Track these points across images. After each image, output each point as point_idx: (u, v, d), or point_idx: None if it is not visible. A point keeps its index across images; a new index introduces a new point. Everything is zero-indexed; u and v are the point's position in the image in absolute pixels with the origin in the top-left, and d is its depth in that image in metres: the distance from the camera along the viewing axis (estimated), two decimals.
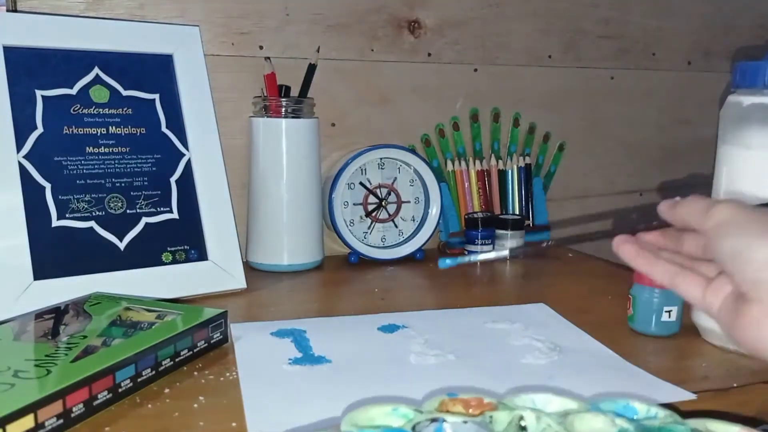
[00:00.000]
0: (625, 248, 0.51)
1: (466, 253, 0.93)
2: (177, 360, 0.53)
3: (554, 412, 0.39)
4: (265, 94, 0.85)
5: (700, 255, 0.48)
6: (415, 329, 0.63)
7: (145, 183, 0.73)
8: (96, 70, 0.73)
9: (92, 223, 0.70)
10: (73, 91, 0.71)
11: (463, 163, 0.98)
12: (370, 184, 0.92)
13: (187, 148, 0.77)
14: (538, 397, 0.41)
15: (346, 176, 0.88)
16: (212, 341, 0.57)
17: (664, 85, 1.14)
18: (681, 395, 0.49)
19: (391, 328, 0.63)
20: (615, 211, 1.15)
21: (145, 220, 0.72)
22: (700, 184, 1.19)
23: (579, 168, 1.10)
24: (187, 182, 0.76)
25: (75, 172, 0.70)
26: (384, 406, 0.38)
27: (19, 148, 0.67)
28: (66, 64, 0.71)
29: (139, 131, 0.74)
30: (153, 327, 0.54)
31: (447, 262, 0.53)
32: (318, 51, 0.86)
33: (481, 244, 0.92)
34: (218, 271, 0.75)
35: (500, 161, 1.00)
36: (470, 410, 0.38)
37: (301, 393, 0.49)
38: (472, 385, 0.51)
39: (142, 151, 0.74)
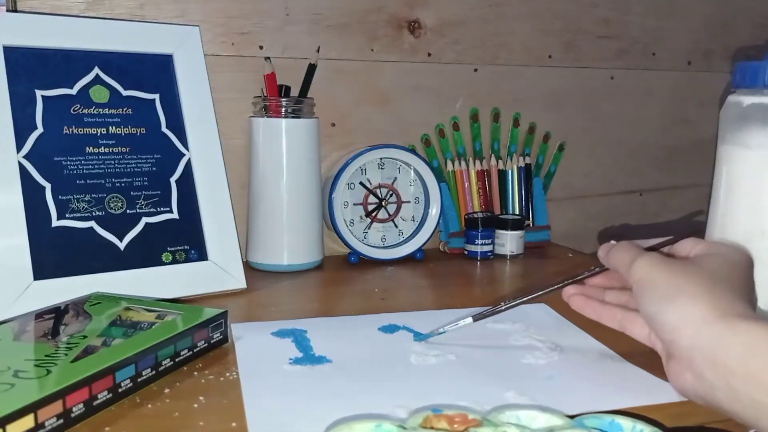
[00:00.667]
0: (574, 300, 0.56)
1: (465, 253, 0.94)
2: (177, 360, 0.53)
3: (539, 428, 0.39)
4: (265, 94, 0.85)
5: None
6: (415, 329, 0.63)
7: (145, 183, 0.73)
8: (96, 70, 0.73)
9: (92, 223, 0.70)
10: (73, 91, 0.71)
11: (463, 163, 0.98)
12: (370, 184, 0.92)
13: (187, 148, 0.77)
14: (523, 413, 0.41)
15: (346, 176, 0.88)
16: (212, 341, 0.57)
17: (664, 85, 1.14)
18: (681, 395, 0.49)
19: (391, 328, 0.63)
20: (615, 211, 1.15)
21: (145, 220, 0.73)
22: (700, 184, 1.19)
23: (579, 168, 1.10)
24: (187, 182, 0.76)
25: (75, 172, 0.70)
26: (367, 422, 0.38)
27: (19, 148, 0.67)
28: (66, 64, 0.71)
29: (139, 131, 0.74)
30: (153, 327, 0.54)
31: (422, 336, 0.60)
32: (318, 51, 0.86)
33: (481, 244, 0.92)
34: (218, 271, 0.75)
35: (500, 161, 1.00)
36: (455, 426, 0.38)
37: (302, 393, 0.49)
38: (472, 385, 0.51)
39: (142, 151, 0.74)
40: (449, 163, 0.98)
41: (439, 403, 0.47)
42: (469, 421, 0.38)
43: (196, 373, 0.53)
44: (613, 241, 0.54)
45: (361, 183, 0.91)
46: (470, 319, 0.59)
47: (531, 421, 0.40)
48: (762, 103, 0.57)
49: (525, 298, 0.58)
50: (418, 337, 0.60)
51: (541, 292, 0.58)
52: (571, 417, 0.41)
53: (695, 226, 1.14)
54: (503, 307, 0.58)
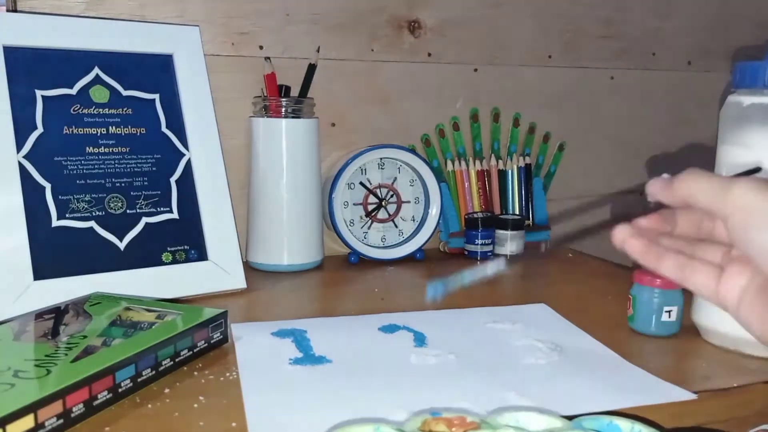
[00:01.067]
0: (631, 244, 0.45)
1: (465, 253, 0.94)
2: (177, 360, 0.53)
3: (538, 430, 0.39)
4: (265, 94, 0.85)
5: (696, 235, 0.43)
6: (415, 329, 0.63)
7: (145, 183, 0.73)
8: (96, 70, 0.73)
9: (92, 223, 0.70)
10: (73, 91, 0.71)
11: (463, 163, 0.98)
12: (370, 184, 0.92)
13: (187, 148, 0.77)
14: (522, 415, 0.41)
15: (346, 176, 0.88)
16: (212, 341, 0.57)
17: (664, 85, 1.14)
18: (681, 395, 0.49)
19: (391, 328, 0.63)
20: (615, 211, 1.15)
21: (145, 220, 0.72)
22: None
23: (579, 168, 1.10)
24: (187, 182, 0.76)
25: (75, 172, 0.70)
26: (366, 426, 0.38)
27: (19, 148, 0.67)
28: (66, 64, 0.71)
29: (139, 131, 0.74)
30: (153, 327, 0.54)
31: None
32: (318, 51, 0.86)
33: (481, 244, 0.92)
34: (218, 271, 0.75)
35: (500, 161, 1.00)
36: (453, 429, 0.38)
37: (302, 393, 0.49)
38: (472, 386, 0.51)
39: (142, 151, 0.74)
40: (449, 163, 0.98)
41: (439, 403, 0.47)
42: (467, 424, 0.38)
43: (196, 373, 0.53)
44: (665, 175, 0.43)
45: (361, 183, 0.91)
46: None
47: (529, 423, 0.40)
48: (762, 103, 0.57)
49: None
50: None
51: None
52: (570, 418, 0.41)
53: None
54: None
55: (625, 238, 0.45)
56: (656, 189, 0.43)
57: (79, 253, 0.68)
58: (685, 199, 0.41)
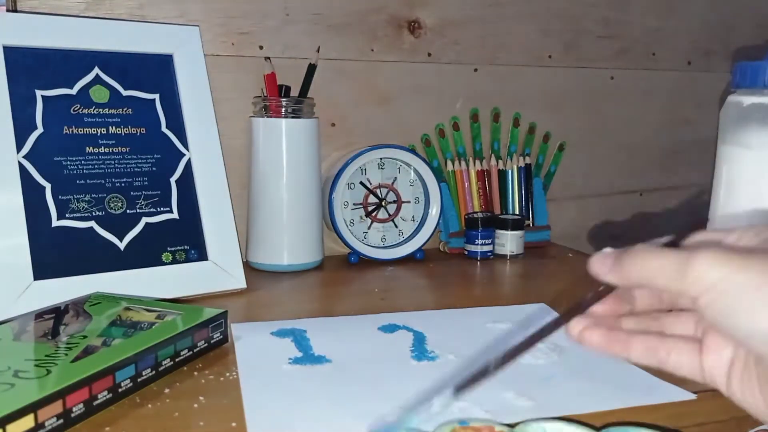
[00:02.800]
0: (589, 337, 0.40)
1: (465, 253, 0.93)
2: (177, 360, 0.53)
3: None
4: (265, 94, 0.85)
5: (659, 307, 0.38)
6: (415, 329, 0.63)
7: (145, 183, 0.73)
8: (96, 70, 0.73)
9: (92, 223, 0.70)
10: (73, 91, 0.71)
11: (463, 163, 0.98)
12: (370, 184, 0.92)
13: (187, 148, 0.77)
14: (549, 425, 0.40)
15: (346, 176, 0.88)
16: (212, 341, 0.57)
17: (664, 85, 1.14)
18: (681, 395, 0.49)
19: (391, 328, 0.63)
20: (615, 211, 1.15)
21: (145, 220, 0.73)
22: (700, 184, 1.19)
23: (579, 168, 1.10)
24: (187, 182, 0.76)
25: (75, 172, 0.70)
26: None
27: (19, 148, 0.67)
28: (66, 64, 0.71)
29: (139, 131, 0.74)
30: (153, 327, 0.54)
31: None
32: (318, 51, 0.86)
33: (481, 244, 0.92)
34: (218, 271, 0.75)
35: (500, 161, 1.00)
36: None
37: (302, 393, 0.49)
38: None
39: (142, 151, 0.74)
40: (449, 163, 0.98)
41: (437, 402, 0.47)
42: None
43: (196, 373, 0.53)
44: (607, 249, 0.37)
45: (361, 183, 0.91)
46: (450, 392, 0.42)
47: None
48: (762, 103, 0.57)
49: (514, 355, 0.42)
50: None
51: (532, 342, 0.42)
52: (597, 429, 0.41)
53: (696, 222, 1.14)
54: (489, 372, 0.42)
55: (580, 331, 0.40)
56: (602, 270, 0.37)
57: (79, 253, 0.68)
58: (640, 282, 0.35)
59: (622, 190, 1.15)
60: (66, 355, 0.48)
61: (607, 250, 0.37)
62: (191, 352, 0.55)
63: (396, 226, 0.94)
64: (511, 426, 0.41)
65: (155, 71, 0.77)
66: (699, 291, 0.32)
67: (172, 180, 0.75)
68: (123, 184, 0.72)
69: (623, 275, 0.35)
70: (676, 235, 0.38)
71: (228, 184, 0.78)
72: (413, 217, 0.94)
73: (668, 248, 0.34)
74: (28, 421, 0.40)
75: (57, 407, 0.42)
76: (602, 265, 0.36)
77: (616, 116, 1.12)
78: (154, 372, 0.51)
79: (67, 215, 0.68)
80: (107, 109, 0.73)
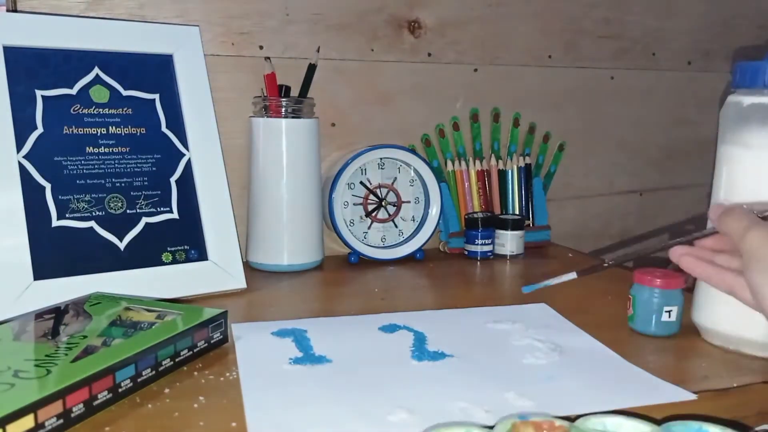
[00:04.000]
0: (685, 260, 0.54)
1: (465, 253, 0.94)
2: (177, 360, 0.53)
3: None
4: (265, 94, 0.85)
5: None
6: (415, 329, 0.63)
7: (145, 183, 0.73)
8: (96, 70, 0.73)
9: (92, 223, 0.70)
10: (73, 91, 0.71)
11: (463, 163, 0.98)
12: (370, 184, 0.92)
13: (187, 148, 0.77)
14: (609, 420, 0.41)
15: (346, 176, 0.88)
16: (212, 341, 0.57)
17: (664, 85, 1.14)
18: (681, 395, 0.49)
19: (391, 328, 0.63)
20: (615, 211, 1.15)
21: (145, 220, 0.73)
22: (700, 184, 1.19)
23: (579, 168, 1.10)
24: (187, 182, 0.76)
25: (75, 172, 0.70)
26: (457, 428, 0.38)
27: (19, 148, 0.67)
28: (66, 64, 0.71)
29: (139, 131, 0.74)
30: (153, 327, 0.54)
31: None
32: (318, 51, 0.86)
33: (481, 244, 0.92)
34: (218, 271, 0.75)
35: (500, 161, 1.00)
36: None
37: (302, 393, 0.49)
38: (473, 385, 0.51)
39: (142, 151, 0.74)
40: (449, 163, 0.98)
41: (438, 402, 0.47)
42: (556, 428, 0.39)
43: (196, 373, 0.53)
44: (724, 202, 0.53)
45: (361, 183, 0.91)
46: (574, 274, 0.61)
47: (618, 428, 0.41)
48: (762, 103, 0.57)
49: (630, 257, 0.61)
50: (527, 288, 0.64)
51: (650, 250, 0.59)
52: (657, 423, 0.42)
53: (695, 227, 1.14)
54: (606, 266, 0.60)
55: (681, 254, 0.54)
56: (711, 215, 0.53)
57: (79, 253, 0.68)
58: (725, 233, 0.51)
59: (622, 190, 1.15)
60: (66, 355, 0.48)
61: (723, 203, 0.54)
62: (191, 352, 0.55)
63: (396, 226, 0.94)
64: (572, 420, 0.41)
65: (155, 71, 0.77)
66: (743, 251, 0.48)
67: (172, 180, 0.75)
68: (123, 184, 0.72)
69: (720, 225, 0.51)
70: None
71: (228, 184, 0.78)
72: (413, 217, 0.94)
73: (751, 215, 0.50)
74: (28, 421, 0.40)
75: (57, 407, 0.42)
76: (712, 212, 0.53)
77: (616, 116, 1.12)
78: (154, 372, 0.51)
79: (67, 215, 0.68)
80: (107, 109, 0.73)
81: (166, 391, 0.49)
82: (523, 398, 0.48)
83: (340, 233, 0.88)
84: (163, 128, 0.76)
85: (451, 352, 0.57)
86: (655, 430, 0.40)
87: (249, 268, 0.84)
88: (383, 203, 0.93)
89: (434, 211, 0.93)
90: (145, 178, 0.74)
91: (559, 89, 1.06)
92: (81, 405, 0.44)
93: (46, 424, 0.41)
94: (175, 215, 0.74)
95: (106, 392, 0.46)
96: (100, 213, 0.70)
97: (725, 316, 0.59)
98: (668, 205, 1.18)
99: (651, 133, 1.15)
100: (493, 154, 1.00)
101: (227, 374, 0.52)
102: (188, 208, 0.75)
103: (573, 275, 0.61)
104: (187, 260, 0.74)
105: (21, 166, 0.67)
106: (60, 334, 0.53)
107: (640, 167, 1.15)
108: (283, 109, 0.83)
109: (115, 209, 0.71)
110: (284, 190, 0.83)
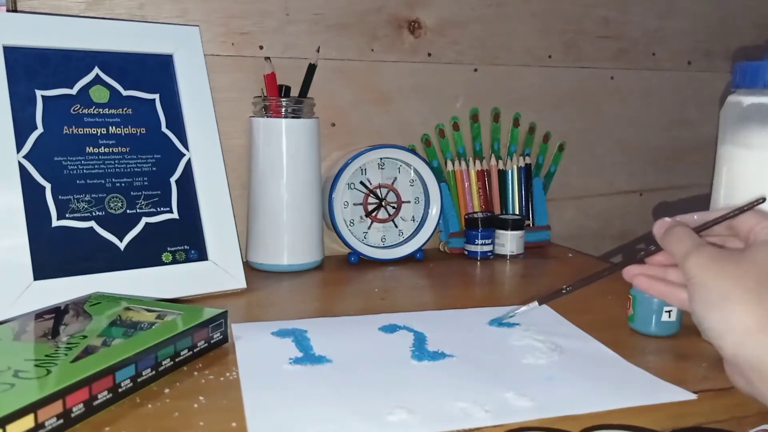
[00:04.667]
0: (638, 280, 0.54)
1: (465, 253, 0.94)
2: (177, 360, 0.53)
3: None
4: (265, 94, 0.85)
5: None
6: (415, 329, 0.63)
7: (145, 183, 0.73)
8: (96, 70, 0.73)
9: (92, 223, 0.70)
10: (73, 91, 0.71)
11: (463, 163, 0.98)
12: (370, 184, 0.92)
13: (187, 148, 0.77)
14: None
15: (346, 176, 0.88)
16: (212, 341, 0.57)
17: (664, 85, 1.14)
18: (681, 395, 0.49)
19: (391, 328, 0.63)
20: (615, 211, 1.15)
21: (145, 220, 0.73)
22: (700, 184, 1.19)
23: (579, 168, 1.10)
24: (187, 182, 0.76)
25: (75, 172, 0.70)
26: None
27: (19, 148, 0.67)
28: (66, 64, 0.71)
29: (139, 131, 0.74)
30: (153, 327, 0.54)
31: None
32: (318, 51, 0.86)
33: (481, 244, 0.92)
34: (218, 271, 0.75)
35: (500, 161, 1.00)
36: None
37: (302, 393, 0.49)
38: (473, 385, 0.51)
39: (142, 151, 0.74)
40: (449, 163, 0.98)
41: (438, 402, 0.47)
42: None
43: (196, 373, 0.53)
44: (666, 219, 0.51)
45: (361, 183, 0.91)
46: (536, 303, 0.61)
47: None
48: (762, 103, 0.57)
49: (587, 281, 0.58)
50: (493, 322, 0.64)
51: (601, 275, 0.58)
52: None
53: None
54: (565, 292, 0.59)
55: (634, 275, 0.54)
56: (656, 232, 0.51)
57: (79, 253, 0.68)
58: (669, 252, 0.49)
59: (622, 190, 1.15)
60: (66, 355, 0.48)
61: (666, 219, 0.51)
62: (191, 352, 0.55)
63: (396, 226, 0.94)
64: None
65: (155, 71, 0.77)
66: (686, 277, 0.47)
67: (172, 180, 0.75)
68: (123, 184, 0.72)
69: (663, 244, 0.50)
70: (730, 212, 0.50)
71: (228, 184, 0.78)
72: (413, 217, 0.94)
73: (692, 237, 0.48)
74: (28, 421, 0.40)
75: (57, 407, 0.42)
76: (656, 229, 0.51)
77: (616, 116, 1.12)
78: (154, 372, 0.51)
79: (67, 215, 0.68)
80: (107, 109, 0.73)
81: (166, 391, 0.49)
82: (523, 398, 0.48)
83: (340, 233, 0.88)
84: (163, 128, 0.76)
85: (451, 352, 0.57)
86: None
87: (249, 268, 0.84)
88: (383, 203, 0.93)
89: (434, 211, 0.93)
90: (145, 178, 0.74)
91: (559, 89, 1.06)
92: (81, 405, 0.44)
93: (46, 424, 0.41)
94: (175, 215, 0.74)
95: (106, 392, 0.46)
96: (100, 213, 0.70)
97: None
98: (668, 205, 1.18)
99: (651, 133, 1.15)
100: (493, 154, 1.00)
101: (227, 374, 0.52)
102: (188, 208, 0.75)
103: (535, 304, 0.61)
104: (187, 260, 0.74)
105: (21, 166, 0.67)
106: (60, 334, 0.53)
107: (640, 167, 1.15)
108: (283, 109, 0.83)
109: (115, 209, 0.71)
110: (284, 190, 0.83)
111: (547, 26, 1.04)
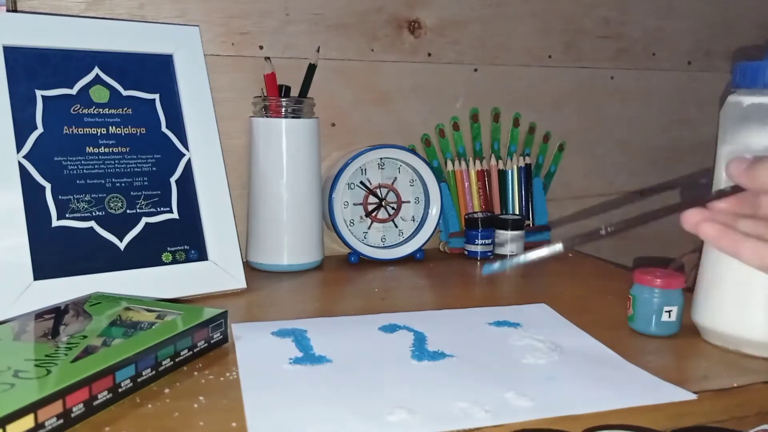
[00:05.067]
0: (704, 228, 0.43)
1: (465, 253, 0.94)
2: (177, 360, 0.53)
3: None
4: (265, 94, 0.85)
5: None
6: (415, 329, 0.63)
7: (145, 183, 0.73)
8: (96, 70, 0.73)
9: (92, 223, 0.70)
10: (73, 91, 0.71)
11: (463, 163, 0.98)
12: (370, 184, 0.92)
13: (187, 148, 0.77)
14: None
15: (346, 176, 0.88)
16: (212, 341, 0.57)
17: (664, 85, 1.14)
18: (681, 395, 0.49)
19: (391, 328, 0.63)
20: (615, 211, 1.15)
21: (145, 220, 0.72)
22: (700, 184, 1.19)
23: (579, 168, 1.10)
24: (187, 182, 0.76)
25: (75, 172, 0.70)
26: None
27: (19, 148, 0.67)
28: (66, 64, 0.71)
29: (139, 131, 0.74)
30: (153, 327, 0.54)
31: (493, 267, 0.50)
32: (318, 51, 0.86)
33: (481, 244, 0.92)
34: (218, 271, 0.75)
35: (500, 161, 1.00)
36: None
37: (302, 393, 0.49)
38: (473, 385, 0.51)
39: (142, 151, 0.74)
40: (449, 163, 0.98)
41: (439, 402, 0.47)
42: None
43: (196, 373, 0.53)
44: (747, 155, 0.43)
45: (361, 183, 0.91)
46: (560, 246, 0.48)
47: None
48: (762, 103, 0.57)
49: (631, 222, 0.47)
50: (488, 269, 0.51)
51: (650, 216, 0.46)
52: None
53: None
54: (603, 233, 0.47)
55: (698, 221, 0.43)
56: (735, 171, 0.42)
57: (79, 253, 0.68)
58: (762, 185, 0.41)
59: (622, 190, 1.15)
60: (66, 355, 0.48)
61: (746, 155, 0.42)
62: (191, 352, 0.55)
63: (396, 226, 0.94)
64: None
65: (155, 71, 0.77)
66: None
67: (172, 180, 0.75)
68: (123, 184, 0.72)
69: (753, 179, 0.41)
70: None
71: (228, 184, 0.78)
72: (413, 217, 0.94)
73: None
74: (28, 421, 0.40)
75: (57, 407, 0.42)
76: (737, 167, 0.42)
77: (616, 116, 1.12)
78: (154, 372, 0.51)
79: (67, 215, 0.68)
80: (107, 109, 0.73)
81: (166, 391, 0.49)
82: (523, 398, 0.48)
83: (340, 233, 0.88)
84: (163, 128, 0.76)
85: (451, 352, 0.57)
86: None
87: (249, 268, 0.84)
88: (383, 203, 0.93)
89: (434, 211, 0.93)
90: (145, 178, 0.74)
91: (559, 89, 1.06)
92: (81, 405, 0.44)
93: (46, 424, 0.41)
94: (175, 215, 0.74)
95: (106, 392, 0.46)
96: (100, 213, 0.70)
97: (725, 316, 0.59)
98: (668, 205, 1.18)
99: (651, 133, 1.15)
100: (493, 154, 1.00)
101: (227, 374, 0.52)
102: (188, 208, 0.75)
103: (560, 246, 0.48)
104: (187, 260, 0.74)
105: (21, 166, 0.67)
106: (60, 334, 0.53)
107: (640, 167, 1.15)
108: (283, 109, 0.83)
109: (115, 209, 0.71)
110: (284, 190, 0.83)
111: (547, 26, 1.04)
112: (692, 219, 0.43)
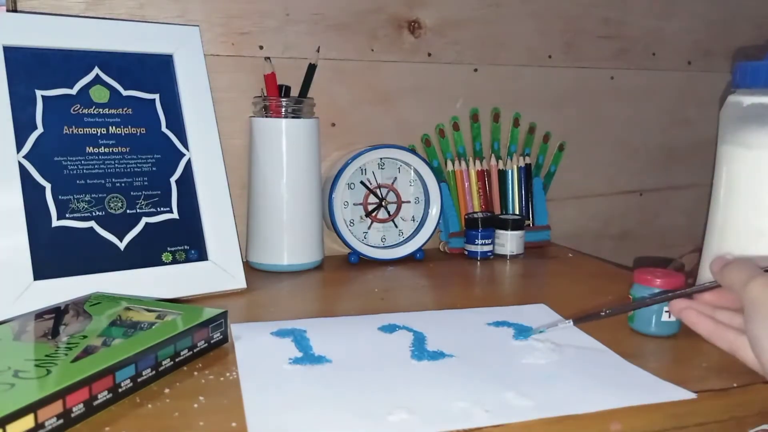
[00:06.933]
0: (687, 314, 0.54)
1: (465, 253, 0.94)
2: (177, 360, 0.53)
3: None
4: (265, 94, 0.85)
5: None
6: (415, 329, 0.63)
7: (145, 183, 0.73)
8: (96, 70, 0.73)
9: (92, 223, 0.70)
10: (73, 91, 0.71)
11: (463, 163, 0.98)
12: (370, 184, 0.92)
13: (187, 148, 0.77)
14: None
15: (346, 176, 0.88)
16: (212, 341, 0.57)
17: (664, 85, 1.14)
18: (681, 395, 0.49)
19: (391, 328, 0.63)
20: (615, 211, 1.15)
21: (145, 220, 0.73)
22: (700, 184, 1.19)
23: (579, 168, 1.10)
24: (187, 182, 0.76)
25: (75, 172, 0.70)
26: None
27: (19, 148, 0.67)
28: (66, 64, 0.71)
29: (139, 131, 0.74)
30: (153, 327, 0.54)
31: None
32: (318, 51, 0.86)
33: (481, 244, 0.92)
34: (218, 271, 0.75)
35: (500, 161, 1.00)
36: None
37: (302, 393, 0.49)
38: (473, 385, 0.51)
39: (142, 151, 0.74)
40: (449, 163, 0.98)
41: (439, 402, 0.47)
42: None
43: (196, 373, 0.53)
44: (728, 255, 0.52)
45: (361, 183, 0.91)
46: (571, 322, 0.60)
47: None
48: (762, 103, 0.57)
49: (627, 307, 0.60)
50: (519, 336, 0.61)
51: (644, 303, 0.58)
52: None
53: (695, 227, 1.14)
54: (603, 315, 0.58)
55: (682, 308, 0.54)
56: (714, 269, 0.52)
57: (79, 253, 0.68)
58: (728, 287, 0.50)
59: (622, 190, 1.15)
60: (66, 355, 0.48)
61: (727, 256, 0.52)
62: (191, 352, 0.55)
63: (396, 226, 0.94)
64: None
65: (155, 71, 0.77)
66: (746, 300, 0.47)
67: (172, 180, 0.75)
68: (123, 184, 0.72)
69: (722, 278, 0.50)
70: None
71: (228, 184, 0.78)
72: (413, 217, 0.94)
73: (755, 266, 0.49)
74: (28, 421, 0.40)
75: (57, 407, 0.42)
76: (714, 265, 0.52)
77: (616, 116, 1.12)
78: (154, 372, 0.51)
79: (67, 215, 0.68)
80: (107, 109, 0.73)
81: (166, 391, 0.49)
82: (523, 398, 0.48)
83: (340, 233, 0.88)
84: (163, 128, 0.76)
85: (450, 352, 0.57)
86: None
87: (249, 268, 0.84)
88: (383, 203, 0.93)
89: (434, 211, 0.93)
90: (145, 178, 0.74)
91: (559, 89, 1.06)
92: (81, 405, 0.44)
93: (46, 424, 0.41)
94: (175, 215, 0.74)
95: (106, 392, 0.46)
96: (100, 213, 0.70)
97: None
98: (668, 205, 1.18)
99: (651, 133, 1.15)
100: (493, 154, 1.00)
101: (227, 374, 0.52)
102: (188, 208, 0.75)
103: (570, 323, 0.60)
104: (187, 260, 0.74)
105: (21, 166, 0.67)
106: (60, 334, 0.53)
107: (640, 167, 1.15)
108: (283, 109, 0.83)
109: (115, 209, 0.71)
110: (284, 190, 0.83)
111: (547, 26, 1.04)
112: (678, 305, 0.54)
